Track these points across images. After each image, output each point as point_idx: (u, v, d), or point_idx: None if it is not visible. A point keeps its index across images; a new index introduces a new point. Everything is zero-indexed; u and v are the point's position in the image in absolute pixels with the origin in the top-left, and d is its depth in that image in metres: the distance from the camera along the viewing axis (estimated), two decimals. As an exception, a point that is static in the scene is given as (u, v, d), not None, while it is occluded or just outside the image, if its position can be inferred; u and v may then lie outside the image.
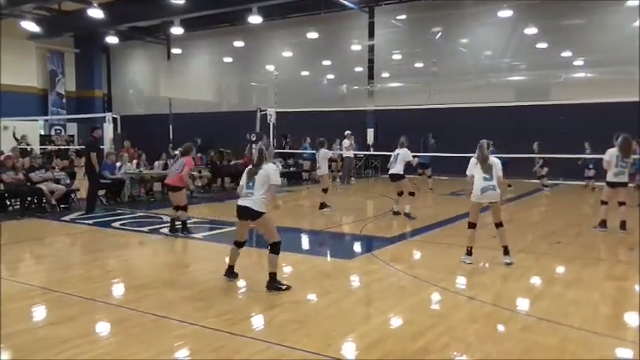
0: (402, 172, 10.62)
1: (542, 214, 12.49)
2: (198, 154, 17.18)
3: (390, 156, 15.88)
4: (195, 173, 15.89)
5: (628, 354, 4.36)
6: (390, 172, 10.79)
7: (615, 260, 7.56)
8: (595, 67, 19.20)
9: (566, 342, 4.42)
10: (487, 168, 6.94)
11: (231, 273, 6.22)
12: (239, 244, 6.18)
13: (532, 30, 20.04)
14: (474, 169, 7.05)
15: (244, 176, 5.98)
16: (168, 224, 9.33)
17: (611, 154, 9.06)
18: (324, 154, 12.28)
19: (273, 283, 5.84)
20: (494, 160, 7.03)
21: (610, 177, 9.13)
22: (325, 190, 12.03)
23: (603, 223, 9.30)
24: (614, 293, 5.94)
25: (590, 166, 15.30)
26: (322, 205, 11.87)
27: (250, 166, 6.02)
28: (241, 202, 5.91)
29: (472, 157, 7.14)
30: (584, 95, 17.01)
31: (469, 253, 7.10)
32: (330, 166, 13.70)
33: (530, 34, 20.08)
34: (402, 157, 10.59)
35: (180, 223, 9.12)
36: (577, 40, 19.37)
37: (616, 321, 5.06)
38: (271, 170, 5.88)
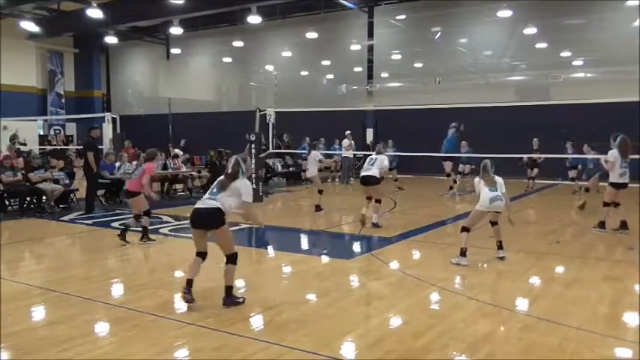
0: (378, 176, 9.89)
1: (541, 213, 12.48)
2: (185, 155, 16.97)
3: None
4: (194, 173, 15.88)
5: (628, 354, 4.36)
6: (365, 173, 9.91)
7: (615, 260, 7.55)
8: (595, 67, 19.21)
9: (565, 341, 4.41)
10: (492, 183, 7.17)
11: (189, 289, 5.24)
12: (202, 255, 5.39)
13: (531, 30, 20.04)
14: (479, 186, 7.27)
15: (213, 185, 5.45)
16: (141, 233, 8.49)
17: (614, 154, 9.03)
18: (313, 157, 12.07)
19: (231, 298, 5.27)
20: (499, 179, 7.23)
21: (615, 178, 9.06)
22: (321, 192, 11.91)
23: (602, 224, 9.28)
24: (614, 293, 5.93)
25: (580, 166, 14.34)
26: (317, 208, 11.78)
27: (223, 177, 5.41)
28: (199, 204, 5.29)
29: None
30: (584, 95, 17.02)
31: (463, 254, 7.05)
32: (328, 167, 13.64)
33: (529, 33, 20.08)
34: (379, 163, 9.90)
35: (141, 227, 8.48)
36: (576, 39, 19.38)
37: (616, 320, 5.06)
38: (245, 187, 5.31)
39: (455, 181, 14.98)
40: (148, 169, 8.37)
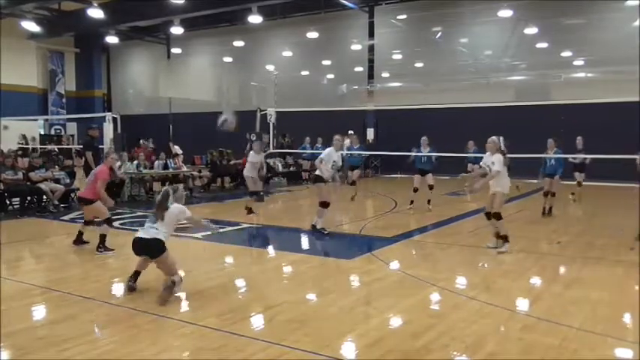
0: (322, 175, 9.23)
1: (541, 213, 12.45)
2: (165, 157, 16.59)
3: (382, 155, 15.89)
4: (195, 173, 15.88)
5: (628, 354, 4.36)
6: (315, 174, 9.45)
7: (615, 260, 7.54)
8: (595, 67, 19.19)
9: (566, 342, 4.41)
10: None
11: (134, 279, 5.75)
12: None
13: (532, 29, 20.03)
14: (501, 166, 7.57)
15: (152, 213, 5.81)
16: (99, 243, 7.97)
17: None
18: (250, 157, 11.30)
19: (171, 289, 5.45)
20: None
21: None
22: (251, 194, 11.16)
23: None
24: (614, 293, 5.92)
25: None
26: (249, 210, 11.04)
27: (155, 209, 5.77)
28: (141, 233, 5.65)
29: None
30: (585, 95, 17.01)
31: (507, 240, 7.61)
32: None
33: (530, 33, 20.07)
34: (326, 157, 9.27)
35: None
36: (577, 39, 19.36)
37: (616, 321, 5.05)
38: (177, 210, 5.77)
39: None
40: (100, 173, 7.84)
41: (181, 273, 5.83)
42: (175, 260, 5.76)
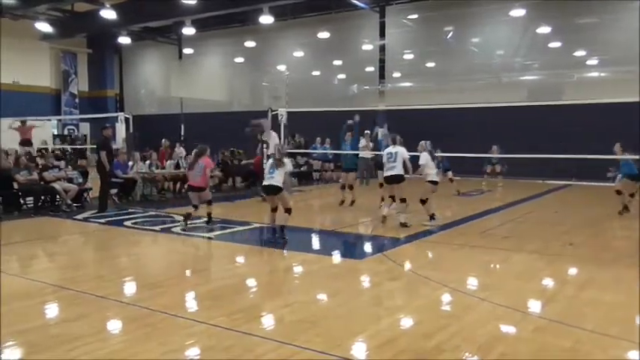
0: (403, 173, 9.84)
1: (555, 214, 12.36)
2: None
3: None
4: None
5: (642, 356, 4.30)
6: (391, 173, 9.81)
7: (629, 262, 7.45)
8: (609, 67, 19.01)
9: (579, 344, 4.37)
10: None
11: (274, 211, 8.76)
12: (275, 210, 8.75)
13: (545, 29, 19.88)
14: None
15: (270, 165, 8.65)
16: (206, 221, 10.01)
17: None
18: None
19: (283, 233, 8.59)
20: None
21: None
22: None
23: None
24: (628, 295, 5.85)
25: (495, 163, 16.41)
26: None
27: (272, 160, 8.74)
28: (265, 182, 8.61)
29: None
30: (598, 95, 16.84)
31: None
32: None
33: (542, 33, 19.92)
34: (400, 156, 9.83)
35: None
36: (590, 39, 19.18)
37: (630, 323, 4.99)
38: (288, 164, 8.81)
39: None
40: (207, 164, 9.85)
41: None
42: (290, 198, 8.96)
